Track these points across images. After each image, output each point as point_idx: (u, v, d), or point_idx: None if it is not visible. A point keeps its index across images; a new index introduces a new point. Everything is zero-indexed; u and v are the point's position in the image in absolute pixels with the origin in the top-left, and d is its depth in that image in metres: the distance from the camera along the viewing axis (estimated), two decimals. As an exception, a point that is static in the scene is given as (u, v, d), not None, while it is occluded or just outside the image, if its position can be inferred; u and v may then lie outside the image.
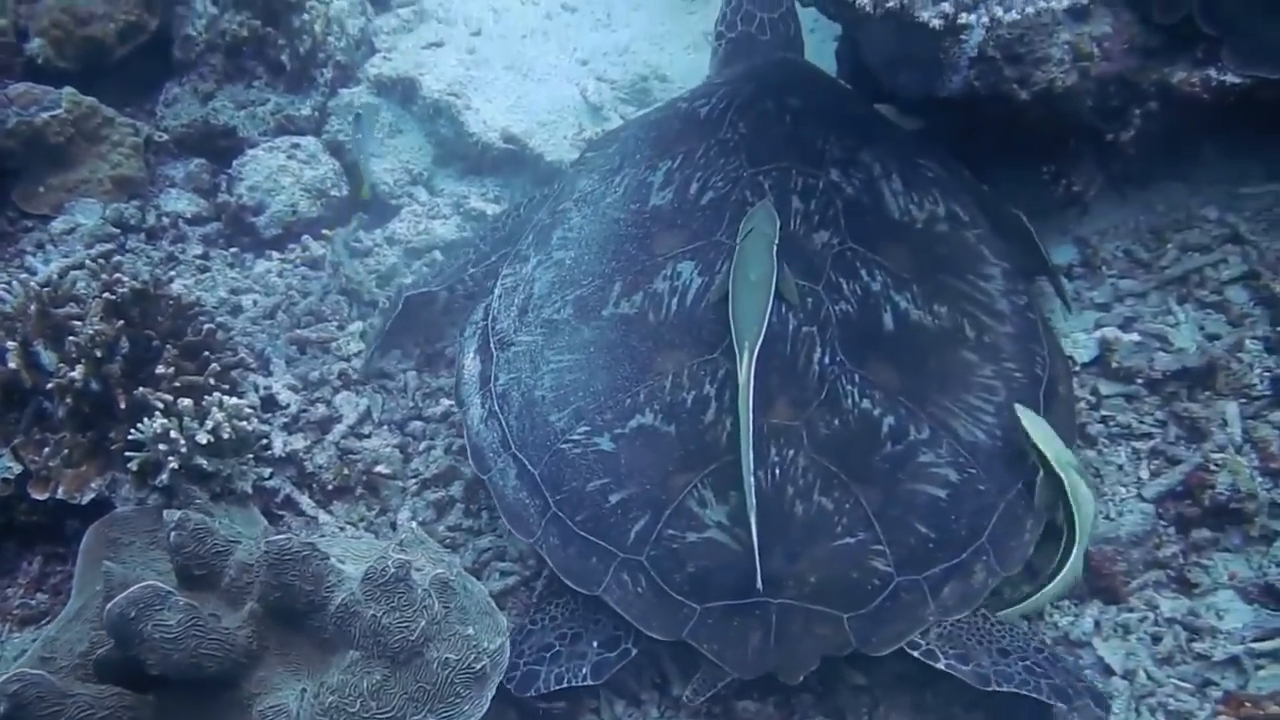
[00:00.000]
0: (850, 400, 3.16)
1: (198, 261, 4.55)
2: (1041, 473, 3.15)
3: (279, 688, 2.67)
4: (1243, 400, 3.62)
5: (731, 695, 3.13)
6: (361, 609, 2.66)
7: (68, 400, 3.37)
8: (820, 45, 4.82)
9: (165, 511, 2.83)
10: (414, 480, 3.78)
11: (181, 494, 3.36)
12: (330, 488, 3.70)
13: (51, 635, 2.99)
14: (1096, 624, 3.29)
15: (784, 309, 3.25)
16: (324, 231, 4.67)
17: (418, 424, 3.95)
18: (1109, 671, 3.20)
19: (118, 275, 3.56)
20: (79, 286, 3.68)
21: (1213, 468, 3.44)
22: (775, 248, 3.28)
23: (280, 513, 3.61)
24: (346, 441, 3.83)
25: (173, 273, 4.35)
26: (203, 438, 3.33)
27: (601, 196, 3.76)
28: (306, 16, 4.89)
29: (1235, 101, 3.78)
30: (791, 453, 3.07)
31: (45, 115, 4.49)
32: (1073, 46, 3.70)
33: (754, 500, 2.90)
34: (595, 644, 3.10)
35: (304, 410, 3.89)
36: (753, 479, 2.92)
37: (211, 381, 3.53)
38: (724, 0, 4.56)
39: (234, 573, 2.80)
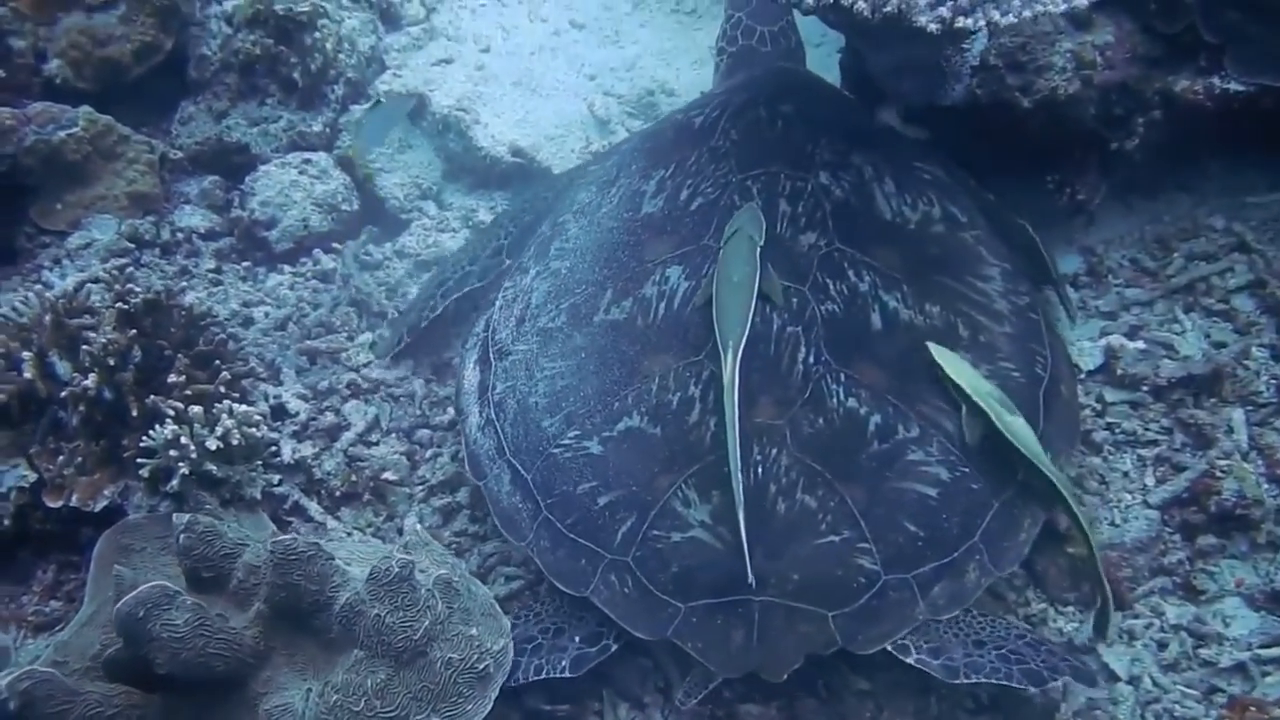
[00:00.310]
0: (835, 399, 3.18)
1: (210, 275, 4.60)
2: (964, 409, 3.15)
3: (285, 687, 2.69)
4: (1249, 407, 3.63)
5: (735, 699, 3.14)
6: (366, 608, 2.69)
7: (81, 409, 3.41)
8: (828, 59, 4.86)
9: (175, 515, 2.87)
10: (421, 487, 3.82)
11: (192, 500, 3.40)
12: (338, 494, 3.74)
13: (64, 639, 3.02)
14: (1102, 629, 3.29)
15: (769, 310, 3.28)
16: (335, 245, 4.73)
17: (425, 432, 3.99)
18: (1114, 677, 3.21)
19: (130, 286, 3.61)
20: (93, 299, 3.73)
21: (1219, 474, 3.45)
22: (759, 250, 3.31)
23: (289, 518, 3.64)
24: (355, 449, 3.87)
25: (185, 285, 4.40)
26: (212, 444, 3.38)
27: (598, 207, 3.81)
28: (318, 35, 4.96)
29: (1239, 109, 3.80)
30: (775, 451, 3.09)
31: (63, 133, 4.55)
32: (1075, 55, 3.73)
33: (743, 498, 2.92)
34: (577, 639, 3.12)
35: (313, 418, 3.93)
36: (740, 476, 2.94)
37: (222, 390, 3.57)
38: (725, 16, 4.62)
39: (242, 575, 2.83)
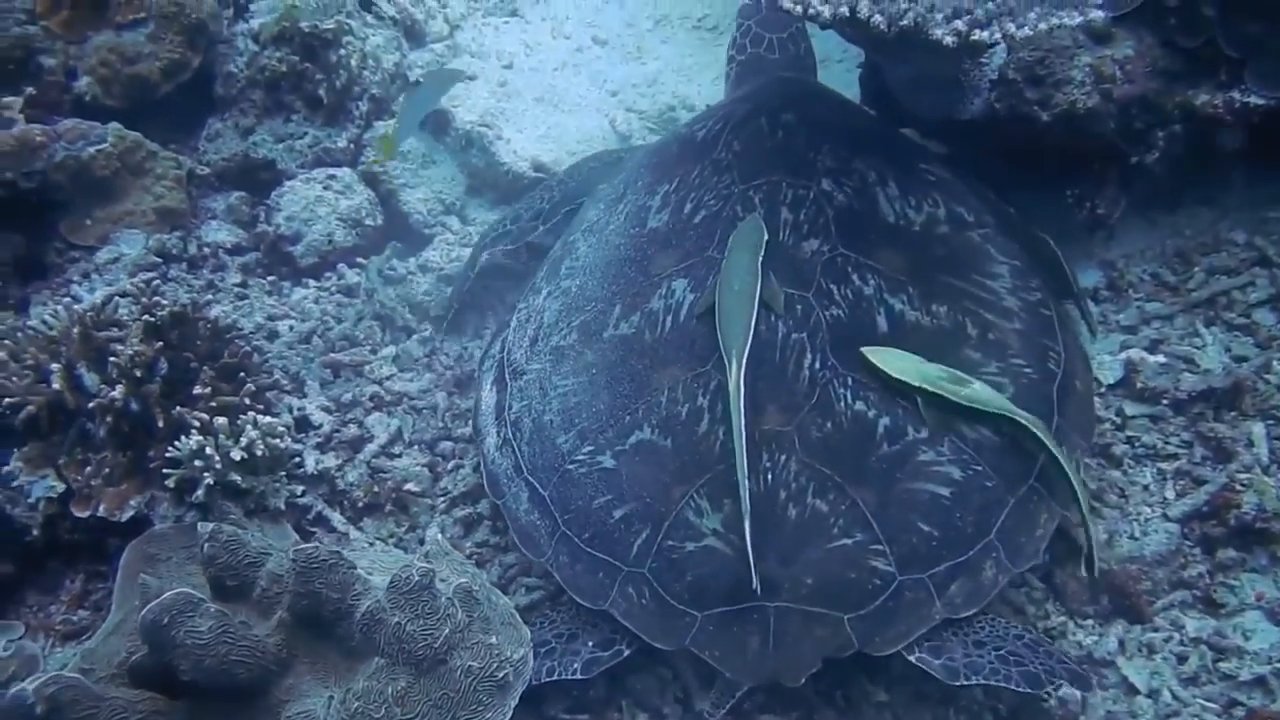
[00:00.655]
0: (843, 403, 3.19)
1: (236, 289, 4.65)
2: (920, 401, 3.16)
3: (307, 695, 2.72)
4: (1269, 421, 3.61)
5: (754, 710, 3.14)
6: (386, 616, 2.72)
7: (108, 420, 3.46)
8: (848, 74, 4.89)
9: (200, 525, 2.91)
10: (443, 498, 3.85)
11: (217, 510, 3.45)
12: (361, 505, 3.77)
13: (90, 648, 3.06)
14: (1121, 643, 3.28)
15: (773, 318, 3.31)
16: (359, 260, 4.78)
17: (447, 444, 4.02)
18: (1133, 691, 3.19)
19: (157, 299, 3.67)
20: (121, 312, 3.78)
21: (1239, 488, 3.43)
22: (760, 258, 3.34)
23: (312, 529, 3.68)
24: (377, 460, 3.91)
25: (211, 298, 4.45)
26: (237, 455, 3.42)
27: (605, 224, 3.85)
28: (343, 52, 5.03)
29: (1260, 123, 3.80)
30: (783, 458, 3.11)
31: (92, 149, 4.62)
32: (1094, 69, 3.75)
33: (748, 505, 2.94)
34: (590, 643, 3.15)
35: (336, 430, 3.97)
36: (748, 483, 2.97)
37: (247, 401, 3.62)
38: (735, 24, 4.66)
39: (265, 584, 2.86)
